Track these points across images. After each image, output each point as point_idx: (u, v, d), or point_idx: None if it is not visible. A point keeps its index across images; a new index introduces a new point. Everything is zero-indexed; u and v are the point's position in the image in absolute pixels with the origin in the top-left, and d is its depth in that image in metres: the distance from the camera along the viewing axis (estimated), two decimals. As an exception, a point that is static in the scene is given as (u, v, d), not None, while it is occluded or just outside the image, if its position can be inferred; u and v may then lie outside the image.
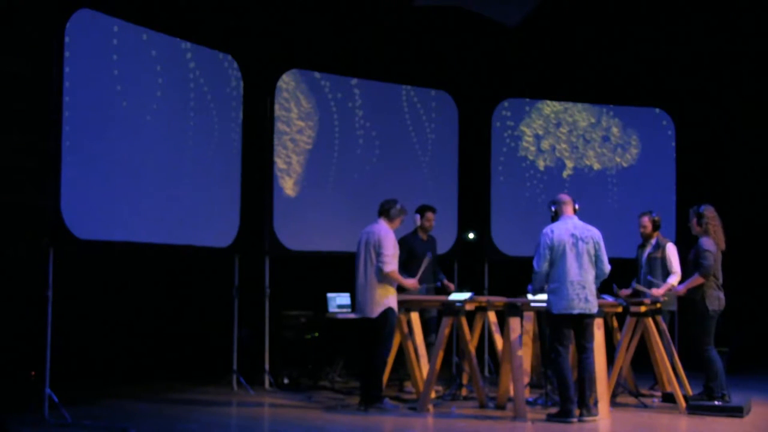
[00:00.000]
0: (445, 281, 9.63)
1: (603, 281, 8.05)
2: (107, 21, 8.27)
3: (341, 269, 9.12)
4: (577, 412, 7.81)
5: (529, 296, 8.25)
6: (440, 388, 9.14)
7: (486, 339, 10.93)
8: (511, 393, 8.24)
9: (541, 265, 7.81)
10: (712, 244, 8.49)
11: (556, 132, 11.94)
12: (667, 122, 12.25)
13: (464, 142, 11.53)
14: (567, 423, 7.66)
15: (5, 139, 8.61)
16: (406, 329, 8.84)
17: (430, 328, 9.46)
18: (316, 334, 10.11)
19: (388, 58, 11.25)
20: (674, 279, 9.11)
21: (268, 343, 9.77)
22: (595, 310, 7.82)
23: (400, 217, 8.56)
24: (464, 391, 9.07)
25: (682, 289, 8.59)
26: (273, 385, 9.67)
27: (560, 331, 7.86)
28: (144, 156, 8.63)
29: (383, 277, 8.28)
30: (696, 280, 8.44)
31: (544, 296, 8.03)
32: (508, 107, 11.81)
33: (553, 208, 8.10)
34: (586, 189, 11.75)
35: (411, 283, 8.56)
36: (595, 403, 7.89)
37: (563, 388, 7.76)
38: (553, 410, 7.98)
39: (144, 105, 8.64)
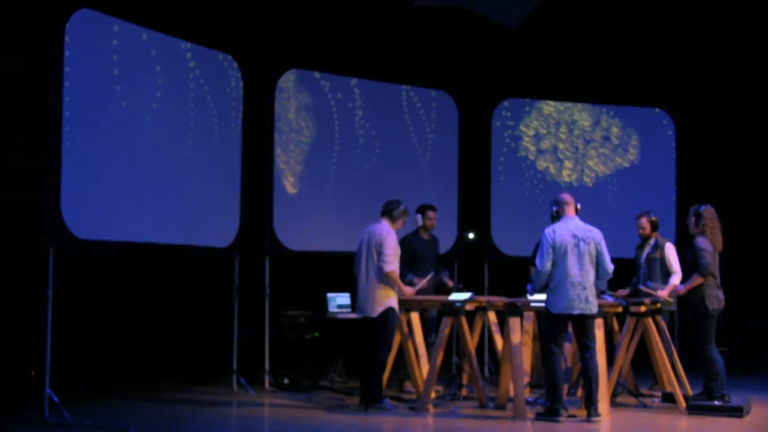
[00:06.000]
0: (446, 278, 9.62)
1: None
2: (107, 21, 8.27)
3: (341, 269, 9.12)
4: (584, 413, 7.83)
5: (529, 296, 8.25)
6: (440, 388, 9.14)
7: (486, 339, 10.93)
8: (511, 393, 8.24)
9: (544, 265, 7.81)
10: (708, 243, 8.49)
11: (556, 132, 11.94)
12: (667, 122, 12.25)
13: (464, 142, 11.53)
14: (554, 422, 7.68)
15: (5, 139, 8.61)
16: (406, 329, 8.84)
17: (430, 328, 9.47)
18: (316, 334, 10.11)
19: (388, 58, 11.24)
20: (676, 279, 9.10)
21: (268, 343, 9.77)
22: (595, 310, 7.82)
23: (403, 218, 8.58)
24: (464, 391, 9.07)
25: (683, 290, 8.59)
26: (273, 385, 9.67)
27: (557, 330, 7.86)
28: (144, 156, 8.63)
29: (383, 277, 8.28)
30: (696, 280, 8.44)
31: (543, 296, 8.02)
32: (508, 107, 11.82)
33: (554, 208, 8.10)
34: (585, 189, 11.76)
35: (408, 291, 8.57)
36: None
37: (553, 387, 7.78)
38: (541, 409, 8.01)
39: (144, 105, 8.65)
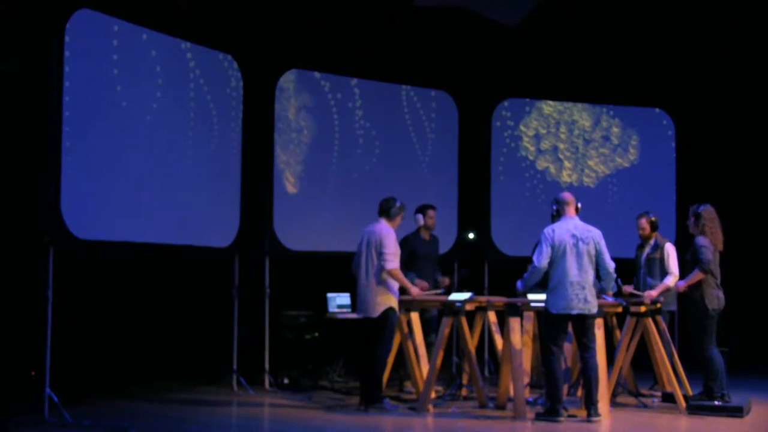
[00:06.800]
0: (440, 277, 9.60)
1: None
2: (107, 21, 8.28)
3: (341, 269, 9.12)
4: (584, 413, 7.82)
5: (529, 296, 8.24)
6: (440, 388, 9.13)
7: (486, 339, 10.93)
8: (511, 393, 8.24)
9: (542, 261, 7.81)
10: (708, 241, 8.49)
11: (557, 132, 11.94)
12: (667, 122, 12.26)
13: (464, 142, 11.53)
14: (554, 422, 7.68)
15: (5, 139, 8.61)
16: (406, 329, 8.84)
17: (430, 328, 9.46)
18: (316, 334, 10.11)
19: (388, 58, 11.24)
20: (670, 280, 9.10)
21: (268, 343, 9.77)
22: (594, 310, 7.82)
23: (401, 214, 8.57)
24: (464, 391, 9.06)
25: (683, 285, 8.58)
26: (273, 385, 9.67)
27: (556, 330, 7.86)
28: (144, 156, 8.63)
29: (385, 276, 8.28)
30: (696, 275, 8.43)
31: (542, 296, 8.02)
32: (508, 107, 11.82)
33: (555, 207, 8.10)
34: (585, 189, 11.76)
35: (415, 291, 8.56)
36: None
37: (553, 387, 7.77)
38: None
39: (144, 105, 8.65)
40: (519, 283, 8.14)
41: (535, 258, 7.87)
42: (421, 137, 11.25)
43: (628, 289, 9.00)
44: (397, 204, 8.52)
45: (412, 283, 8.74)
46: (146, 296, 10.29)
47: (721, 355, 8.49)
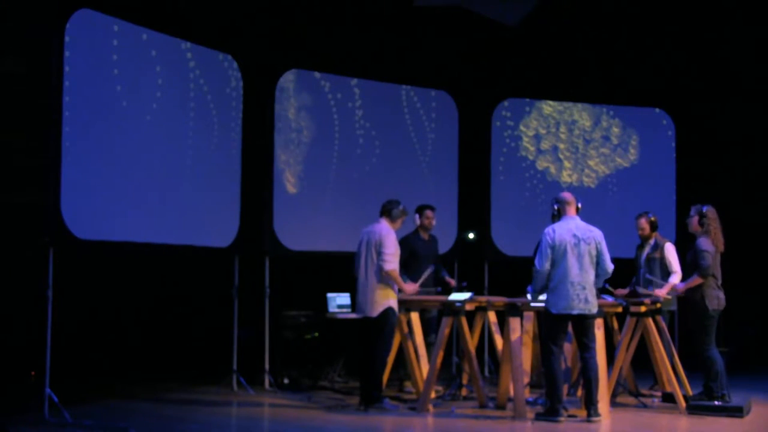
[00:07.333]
0: (447, 278, 9.61)
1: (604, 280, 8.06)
2: (107, 21, 8.28)
3: (341, 269, 9.13)
4: (584, 413, 7.83)
5: (529, 297, 8.24)
6: (440, 388, 9.13)
7: (486, 339, 10.93)
8: (511, 393, 8.24)
9: (543, 264, 7.81)
10: (710, 243, 8.49)
11: (557, 132, 11.94)
12: (667, 122, 12.25)
13: (464, 142, 11.53)
14: (554, 422, 7.68)
15: (5, 139, 8.61)
16: (406, 329, 8.84)
17: (430, 328, 9.46)
18: (316, 334, 10.11)
19: (388, 58, 11.24)
20: (676, 278, 9.11)
21: (268, 343, 9.78)
22: (595, 310, 7.82)
23: (402, 218, 8.58)
24: (464, 391, 9.07)
25: (682, 289, 8.59)
26: (273, 385, 9.67)
27: (556, 330, 7.86)
28: (144, 156, 8.63)
29: (383, 276, 8.28)
30: (695, 280, 8.44)
31: (543, 296, 8.02)
32: (508, 107, 11.81)
33: (555, 207, 8.09)
34: (585, 189, 11.76)
35: (410, 288, 8.57)
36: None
37: (553, 387, 7.78)
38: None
39: (144, 105, 8.65)
40: (530, 288, 8.18)
41: (537, 262, 7.87)
42: (421, 137, 11.25)
43: (621, 291, 8.99)
44: (401, 207, 8.53)
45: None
46: (146, 296, 10.29)
47: (721, 355, 8.49)
